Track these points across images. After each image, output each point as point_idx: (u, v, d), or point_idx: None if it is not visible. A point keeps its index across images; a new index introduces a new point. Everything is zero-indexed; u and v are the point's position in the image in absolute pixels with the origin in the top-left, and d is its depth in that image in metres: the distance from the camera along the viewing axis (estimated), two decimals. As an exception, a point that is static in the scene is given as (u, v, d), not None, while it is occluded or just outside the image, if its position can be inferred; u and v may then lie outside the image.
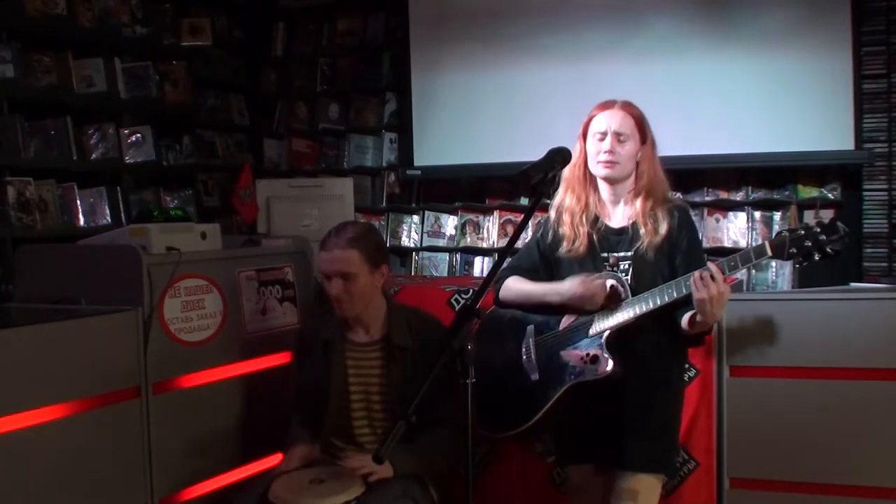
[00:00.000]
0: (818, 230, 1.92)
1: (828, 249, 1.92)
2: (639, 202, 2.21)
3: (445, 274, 4.35)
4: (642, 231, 2.18)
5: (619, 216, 2.26)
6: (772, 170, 3.79)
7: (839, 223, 1.92)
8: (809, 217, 3.73)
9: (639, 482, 2.17)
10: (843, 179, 3.70)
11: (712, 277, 1.97)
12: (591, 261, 2.23)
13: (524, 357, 2.27)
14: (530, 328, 2.30)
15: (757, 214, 3.82)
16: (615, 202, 2.27)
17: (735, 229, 3.84)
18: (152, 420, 2.50)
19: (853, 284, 3.18)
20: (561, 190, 2.27)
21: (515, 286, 2.31)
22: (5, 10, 3.46)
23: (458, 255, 4.37)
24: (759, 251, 1.99)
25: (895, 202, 3.57)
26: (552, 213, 2.32)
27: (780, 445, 2.83)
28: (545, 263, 2.33)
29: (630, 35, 3.83)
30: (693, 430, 2.87)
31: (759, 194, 3.84)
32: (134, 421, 2.46)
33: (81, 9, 3.79)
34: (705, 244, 3.85)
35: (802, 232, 1.95)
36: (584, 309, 2.17)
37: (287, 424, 2.59)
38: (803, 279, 3.51)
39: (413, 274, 4.40)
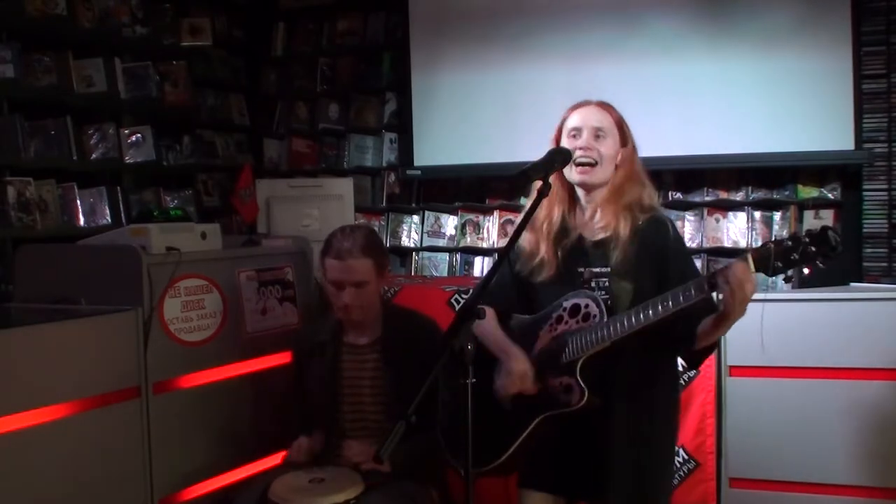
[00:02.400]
0: (807, 240, 1.68)
1: (818, 262, 1.68)
2: (612, 210, 2.00)
3: (445, 274, 4.35)
4: (617, 243, 1.97)
5: (596, 227, 2.04)
6: (772, 170, 3.78)
7: (831, 232, 1.68)
8: (809, 217, 3.73)
9: None
10: (843, 179, 3.70)
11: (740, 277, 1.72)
12: (565, 279, 2.03)
13: (496, 383, 2.08)
14: None
15: (757, 214, 3.82)
16: (593, 210, 2.05)
17: (735, 229, 3.84)
18: (152, 420, 2.50)
19: (853, 284, 3.18)
20: (531, 193, 1.98)
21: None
22: (5, 10, 3.46)
23: (458, 255, 4.37)
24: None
25: (895, 202, 3.57)
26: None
27: (780, 445, 2.83)
28: (517, 283, 2.12)
29: (630, 35, 3.83)
30: (693, 430, 2.88)
31: (759, 194, 3.84)
32: (134, 421, 2.46)
33: (81, 9, 3.79)
34: (705, 244, 3.85)
35: (790, 243, 1.70)
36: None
37: (287, 424, 2.60)
38: (803, 279, 3.51)
39: (413, 274, 4.40)
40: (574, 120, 2.05)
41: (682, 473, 2.87)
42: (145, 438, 2.48)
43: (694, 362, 2.09)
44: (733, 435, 2.89)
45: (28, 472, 2.16)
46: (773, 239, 1.78)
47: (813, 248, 1.68)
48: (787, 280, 1.75)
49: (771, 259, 1.71)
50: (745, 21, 3.66)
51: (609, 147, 2.02)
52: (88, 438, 2.32)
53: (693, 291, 1.79)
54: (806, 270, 1.71)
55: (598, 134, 2.02)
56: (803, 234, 1.70)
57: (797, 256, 1.69)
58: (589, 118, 2.03)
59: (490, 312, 2.08)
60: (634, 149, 2.08)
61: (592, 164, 2.00)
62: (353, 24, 4.69)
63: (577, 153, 1.99)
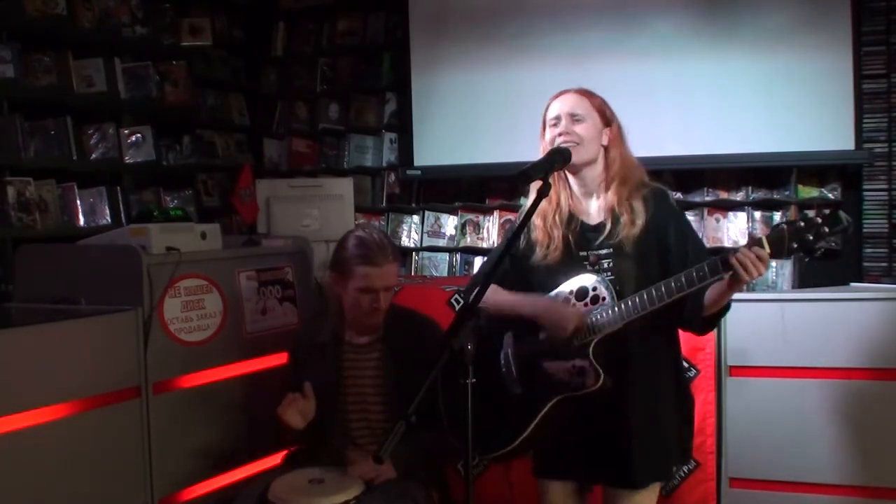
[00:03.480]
0: (819, 221, 1.73)
1: (832, 242, 1.76)
2: (612, 191, 2.05)
3: (445, 274, 4.35)
4: (620, 222, 2.01)
5: (594, 210, 2.09)
6: (772, 170, 3.78)
7: (841, 212, 1.73)
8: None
9: (643, 497, 2.06)
10: (843, 179, 3.69)
11: (759, 258, 1.76)
12: (569, 264, 2.06)
13: (503, 369, 2.12)
14: (508, 337, 2.15)
15: (757, 214, 3.82)
16: (588, 195, 2.10)
17: (735, 229, 3.84)
18: (152, 420, 2.50)
19: (853, 284, 3.18)
20: (530, 192, 2.05)
21: (489, 296, 2.01)
22: (5, 10, 3.46)
23: (458, 255, 4.37)
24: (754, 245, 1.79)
25: (895, 202, 3.57)
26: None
27: (780, 445, 2.83)
28: (516, 269, 2.15)
29: (630, 35, 3.83)
30: (693, 429, 2.87)
31: (759, 194, 3.84)
32: (134, 421, 2.46)
33: (81, 9, 3.79)
34: (706, 244, 3.84)
35: (802, 224, 1.74)
36: (551, 333, 2.01)
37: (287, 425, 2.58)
38: (803, 279, 3.51)
39: (413, 274, 4.40)
40: (552, 109, 2.10)
41: (682, 473, 2.87)
42: (145, 438, 2.48)
43: (707, 327, 2.07)
44: (733, 435, 2.89)
45: (28, 472, 2.16)
46: (786, 220, 1.80)
47: (826, 228, 1.72)
48: (800, 261, 1.77)
49: (786, 241, 1.75)
50: (745, 21, 3.66)
51: (587, 129, 2.05)
52: (88, 438, 2.32)
53: (707, 272, 1.83)
54: (820, 252, 1.75)
55: (575, 119, 2.05)
56: (814, 215, 1.73)
57: (811, 237, 1.73)
58: (565, 105, 2.08)
59: (496, 287, 2.10)
60: (620, 129, 2.11)
61: (574, 143, 2.04)
62: (353, 24, 4.69)
63: (558, 140, 2.04)
